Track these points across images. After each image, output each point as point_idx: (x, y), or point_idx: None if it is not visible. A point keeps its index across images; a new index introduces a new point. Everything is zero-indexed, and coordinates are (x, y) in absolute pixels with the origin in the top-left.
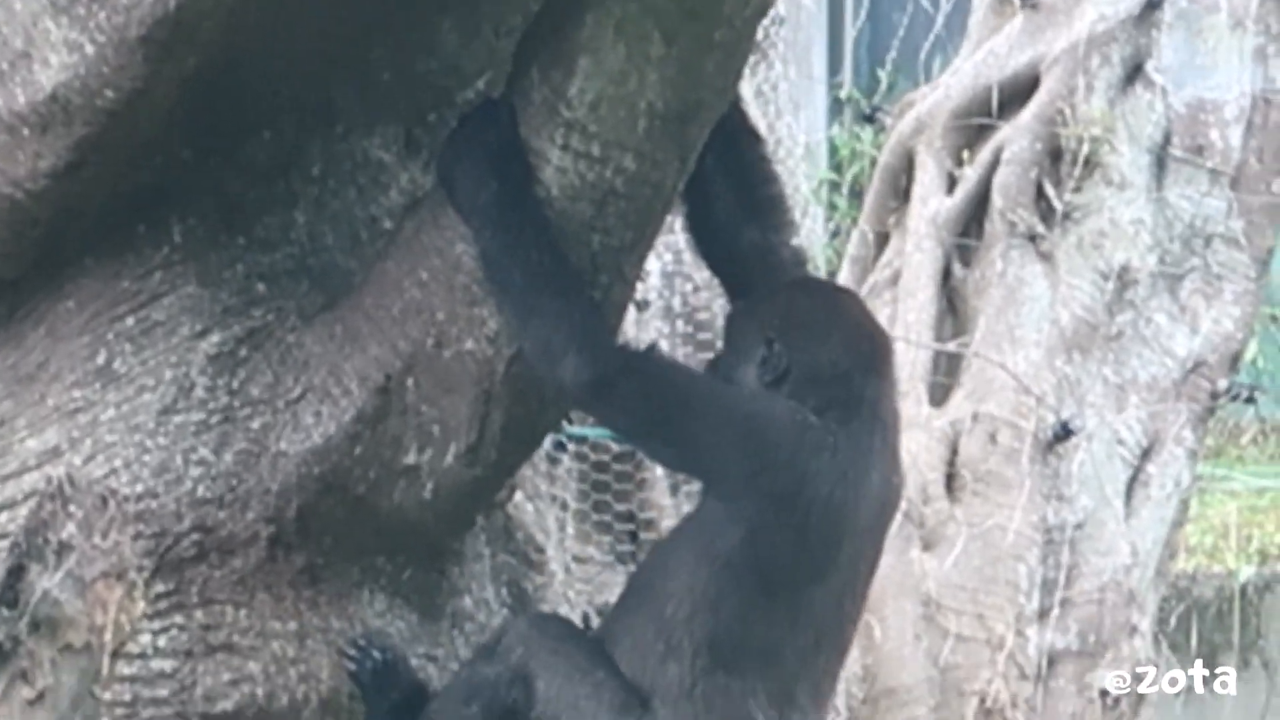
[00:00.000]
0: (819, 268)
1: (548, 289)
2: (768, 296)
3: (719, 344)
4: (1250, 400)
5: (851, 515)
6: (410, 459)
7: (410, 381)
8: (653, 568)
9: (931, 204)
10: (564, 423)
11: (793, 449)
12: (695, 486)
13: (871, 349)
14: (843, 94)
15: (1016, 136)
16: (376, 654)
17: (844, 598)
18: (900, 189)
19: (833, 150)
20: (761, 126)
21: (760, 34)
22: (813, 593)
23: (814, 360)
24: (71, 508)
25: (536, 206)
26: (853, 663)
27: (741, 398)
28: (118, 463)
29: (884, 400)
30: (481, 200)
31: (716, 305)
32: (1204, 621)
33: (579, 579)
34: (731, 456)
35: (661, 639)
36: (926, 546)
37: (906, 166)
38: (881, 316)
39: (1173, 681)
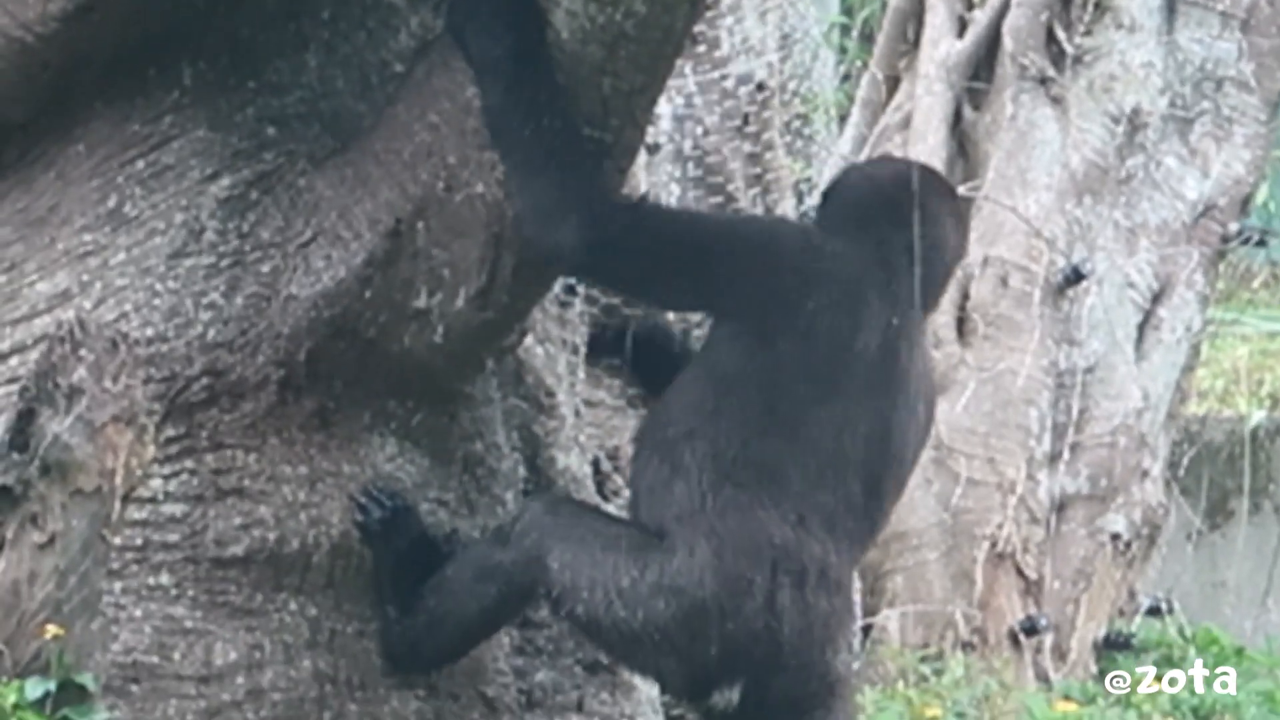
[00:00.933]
0: (830, 111)
1: (554, 150)
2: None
3: (730, 187)
4: (1261, 244)
5: (858, 337)
6: (420, 303)
7: (420, 225)
8: (660, 406)
9: (942, 47)
10: None
11: (796, 259)
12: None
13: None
14: None
15: None
16: (386, 502)
17: (855, 434)
18: (911, 32)
19: None
20: None
21: None
22: (813, 415)
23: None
24: (82, 351)
25: (549, 67)
26: None
27: (742, 220)
28: (128, 306)
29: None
30: (493, 55)
31: (727, 149)
32: (1214, 466)
33: (589, 423)
34: (737, 272)
35: (666, 462)
36: (938, 390)
37: (917, 10)
38: None
39: (1183, 525)
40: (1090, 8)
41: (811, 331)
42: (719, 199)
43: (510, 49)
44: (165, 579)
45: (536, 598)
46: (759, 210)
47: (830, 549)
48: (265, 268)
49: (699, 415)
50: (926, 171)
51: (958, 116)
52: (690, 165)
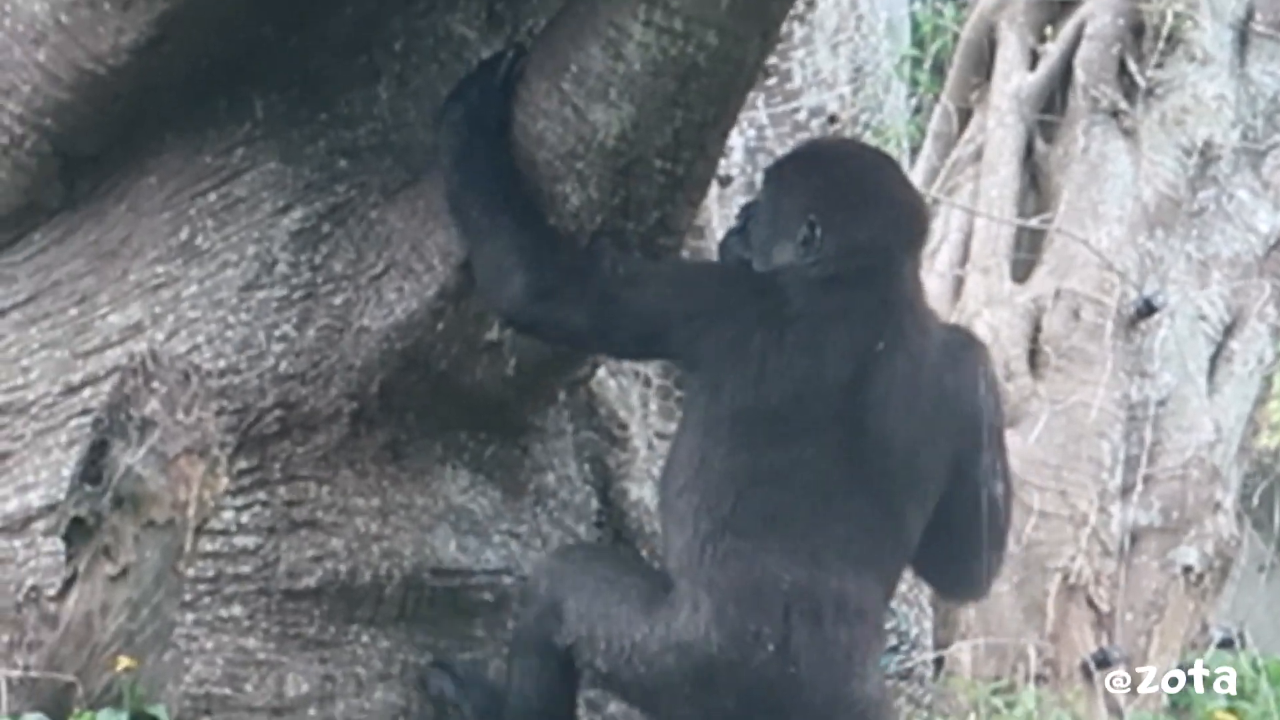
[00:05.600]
0: (902, 144)
1: (501, 221)
2: (805, 165)
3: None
4: None
5: (827, 375)
6: (493, 335)
7: None
8: (666, 459)
9: (1014, 79)
10: None
11: (737, 302)
12: None
13: (909, 224)
14: None
15: (1099, 11)
16: (454, 670)
17: (852, 461)
18: (983, 64)
19: (915, 25)
20: (844, 1)
21: None
22: (798, 452)
23: (853, 240)
24: (154, 383)
25: (500, 156)
26: None
27: (690, 265)
28: (200, 338)
29: (907, 274)
30: (453, 147)
31: None
32: None
33: (661, 455)
34: (688, 319)
35: (671, 516)
36: (1009, 423)
37: (989, 42)
38: (964, 193)
39: (1255, 557)
40: (1162, 40)
41: (768, 372)
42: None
43: (467, 142)
44: (238, 610)
45: (562, 650)
46: None
47: (849, 578)
48: (337, 300)
49: (689, 468)
50: (854, 153)
51: (1030, 149)
52: None
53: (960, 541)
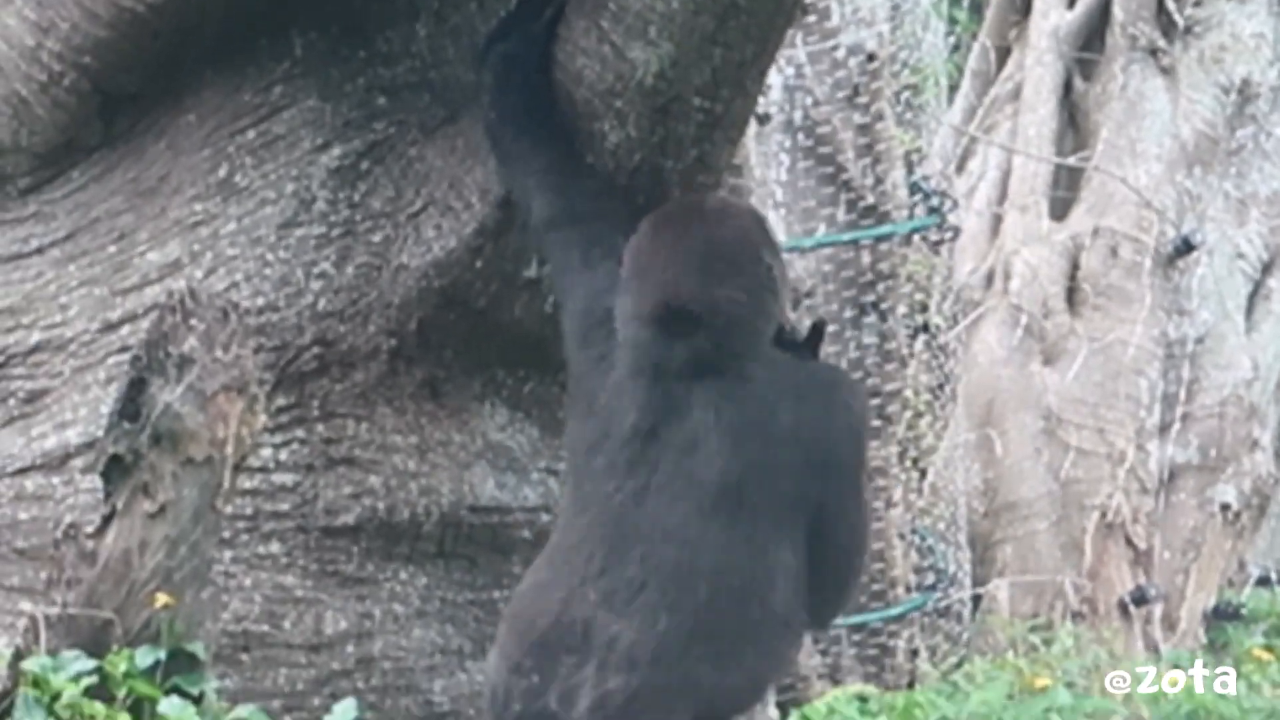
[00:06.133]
0: (940, 82)
1: (533, 152)
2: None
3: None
4: None
5: (631, 410)
6: (531, 272)
7: None
8: None
9: (1052, 17)
10: None
11: (586, 335)
12: None
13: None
14: None
15: None
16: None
17: (658, 504)
18: (1021, 2)
19: None
20: None
21: None
22: (605, 491)
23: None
24: (192, 321)
25: (538, 92)
26: (973, 477)
27: (581, 279)
28: (239, 276)
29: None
30: (493, 84)
31: (837, 119)
32: None
33: None
34: (574, 336)
35: None
36: (1047, 360)
37: None
38: (1002, 131)
39: None
40: None
41: (592, 410)
42: (829, 169)
43: (505, 79)
44: (276, 548)
45: None
46: (868, 181)
47: (633, 625)
48: (376, 237)
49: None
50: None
51: (1068, 87)
52: (800, 135)
53: (813, 575)
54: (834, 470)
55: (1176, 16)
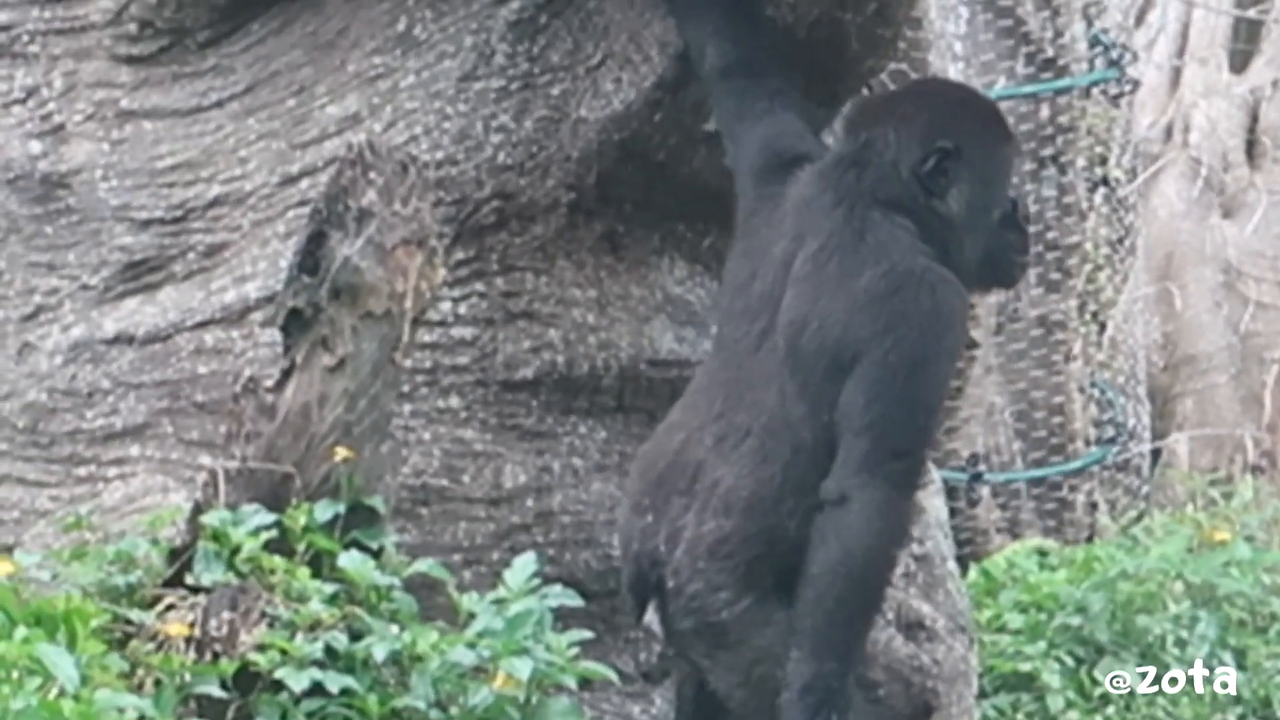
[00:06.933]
0: None
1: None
2: None
3: (1019, 10)
4: None
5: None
6: (710, 126)
7: None
8: None
9: None
10: None
11: (760, 177)
12: None
13: None
14: None
15: None
16: None
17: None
18: None
19: None
20: None
21: None
22: (733, 329)
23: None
24: (372, 174)
25: None
26: (1153, 330)
27: (769, 123)
28: (418, 129)
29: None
30: None
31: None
32: None
33: None
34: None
35: None
36: (1226, 214)
37: None
38: None
39: None
40: None
41: (746, 251)
42: (1008, 22)
43: None
44: (455, 402)
45: None
46: (1047, 34)
47: (733, 471)
48: (555, 91)
49: None
50: None
51: None
52: None
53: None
54: (883, 347)
55: None
